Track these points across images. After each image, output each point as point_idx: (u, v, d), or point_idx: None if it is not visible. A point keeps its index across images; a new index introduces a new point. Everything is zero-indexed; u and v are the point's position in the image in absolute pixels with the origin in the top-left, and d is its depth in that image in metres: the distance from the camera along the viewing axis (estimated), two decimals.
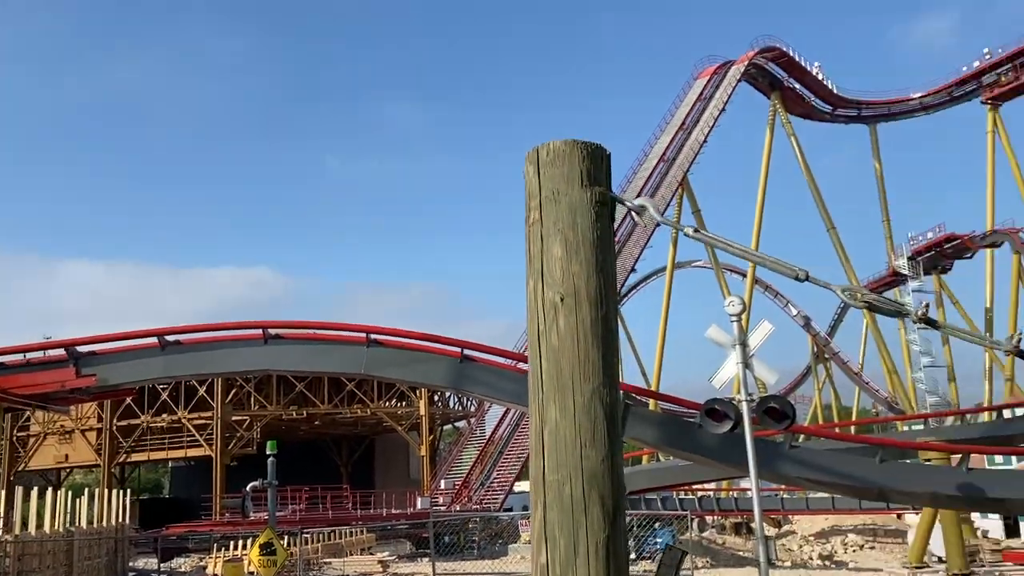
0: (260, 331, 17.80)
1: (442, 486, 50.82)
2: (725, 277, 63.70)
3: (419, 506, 46.35)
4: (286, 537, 28.46)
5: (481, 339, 19.14)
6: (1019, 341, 2.48)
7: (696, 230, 2.39)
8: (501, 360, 17.38)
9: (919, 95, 69.04)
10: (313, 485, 46.19)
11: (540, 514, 2.15)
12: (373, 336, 17.59)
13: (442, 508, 44.59)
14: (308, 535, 30.71)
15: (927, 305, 2.37)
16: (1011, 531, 37.21)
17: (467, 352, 17.71)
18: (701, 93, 58.24)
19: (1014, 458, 31.63)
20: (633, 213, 2.36)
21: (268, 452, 19.89)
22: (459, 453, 54.01)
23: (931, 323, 2.31)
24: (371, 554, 33.24)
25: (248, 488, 21.09)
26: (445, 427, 66.86)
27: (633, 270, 51.29)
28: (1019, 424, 25.74)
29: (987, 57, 64.53)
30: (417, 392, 52.59)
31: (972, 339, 2.62)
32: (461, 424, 62.81)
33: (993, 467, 30.65)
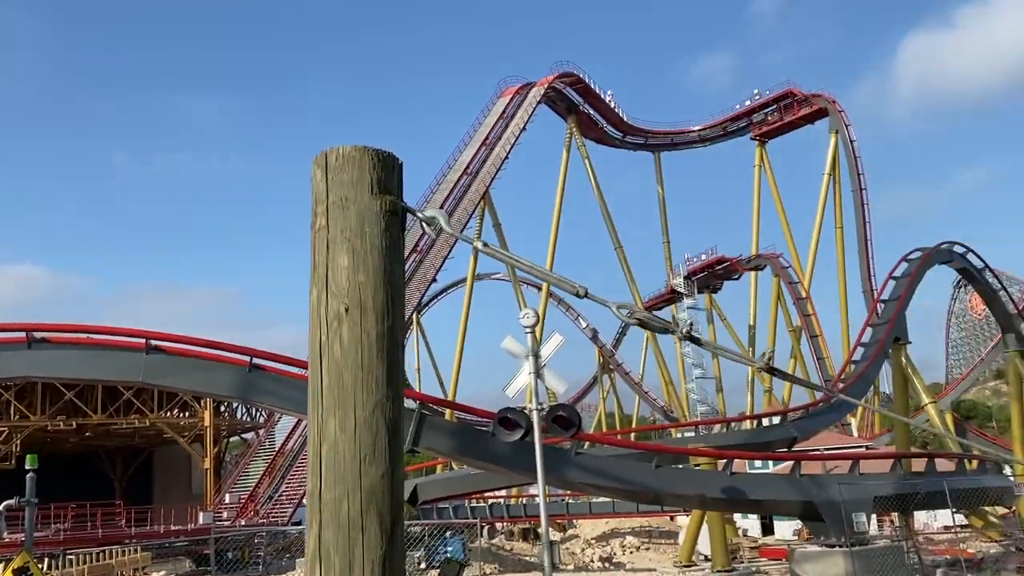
0: (23, 334, 16.06)
1: (227, 500, 48.30)
2: (522, 290, 65.65)
3: (201, 521, 43.70)
4: (46, 560, 25.80)
5: (275, 348, 18.34)
6: (770, 359, 2.71)
7: (485, 244, 2.40)
8: (292, 370, 16.76)
9: (698, 128, 74.88)
10: (81, 502, 42.25)
11: (315, 533, 2.06)
12: (153, 342, 16.40)
13: (226, 523, 42.32)
14: (73, 556, 28.06)
15: (691, 324, 2.53)
16: (767, 530, 40.95)
17: (256, 361, 16.96)
18: (504, 111, 59.75)
19: (771, 462, 34.83)
20: (424, 224, 2.34)
21: (28, 467, 17.95)
22: (246, 466, 51.63)
23: (695, 340, 2.47)
24: (145, 574, 30.91)
25: (1, 507, 18.91)
26: (232, 439, 63.64)
27: (434, 280, 51.53)
28: (776, 431, 28.40)
29: (756, 97, 71.23)
30: (202, 402, 49.68)
31: (729, 356, 2.83)
32: (249, 436, 60.03)
33: (753, 471, 33.58)
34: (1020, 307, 46.98)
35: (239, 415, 56.12)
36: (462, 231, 52.77)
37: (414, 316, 65.04)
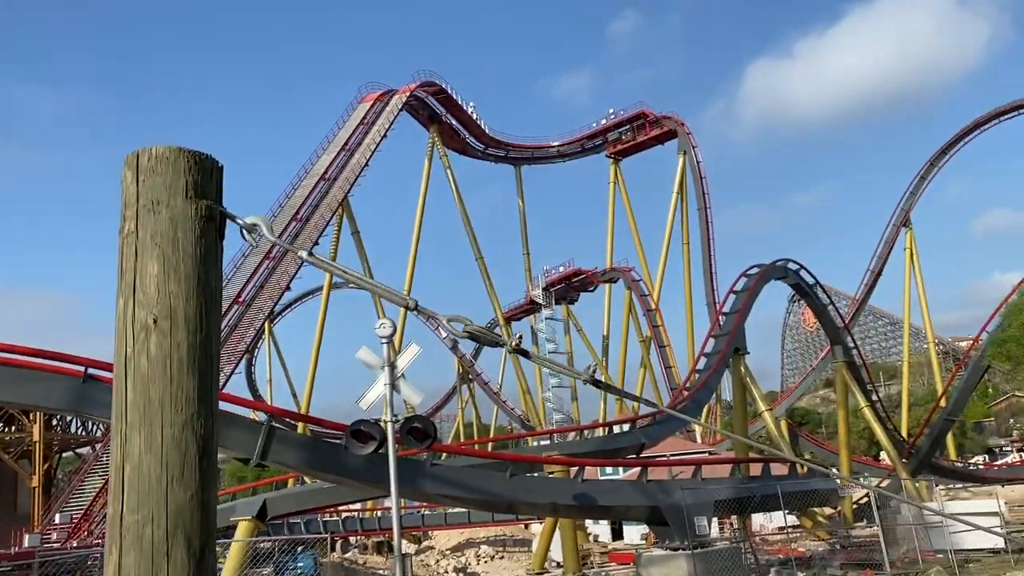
0: None
1: (57, 520, 44.87)
2: (380, 299, 64.82)
3: (26, 544, 40.35)
4: None
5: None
6: (594, 372, 2.77)
7: (311, 254, 2.32)
8: None
9: (557, 144, 76.69)
10: None
11: (115, 560, 1.90)
12: None
13: (56, 545, 39.29)
14: None
15: (520, 337, 2.55)
16: (617, 535, 42.18)
17: (92, 371, 15.90)
18: (364, 117, 58.96)
19: (620, 469, 35.96)
20: (244, 232, 2.23)
21: None
22: (81, 483, 48.19)
23: (523, 353, 2.49)
24: None
25: None
26: (65, 454, 59.32)
27: (288, 288, 50.03)
28: (625, 438, 29.34)
29: (612, 116, 73.77)
30: (31, 415, 46.02)
31: (558, 369, 2.88)
32: (85, 450, 56.15)
33: (604, 478, 34.56)
34: (846, 321, 50.79)
35: (73, 428, 52.44)
36: (319, 238, 51.18)
37: (266, 326, 62.88)
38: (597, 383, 2.60)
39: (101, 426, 49.00)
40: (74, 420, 50.53)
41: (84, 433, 52.67)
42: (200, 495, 1.96)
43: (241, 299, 45.55)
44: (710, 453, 48.73)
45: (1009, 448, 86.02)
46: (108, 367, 16.32)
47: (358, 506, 42.01)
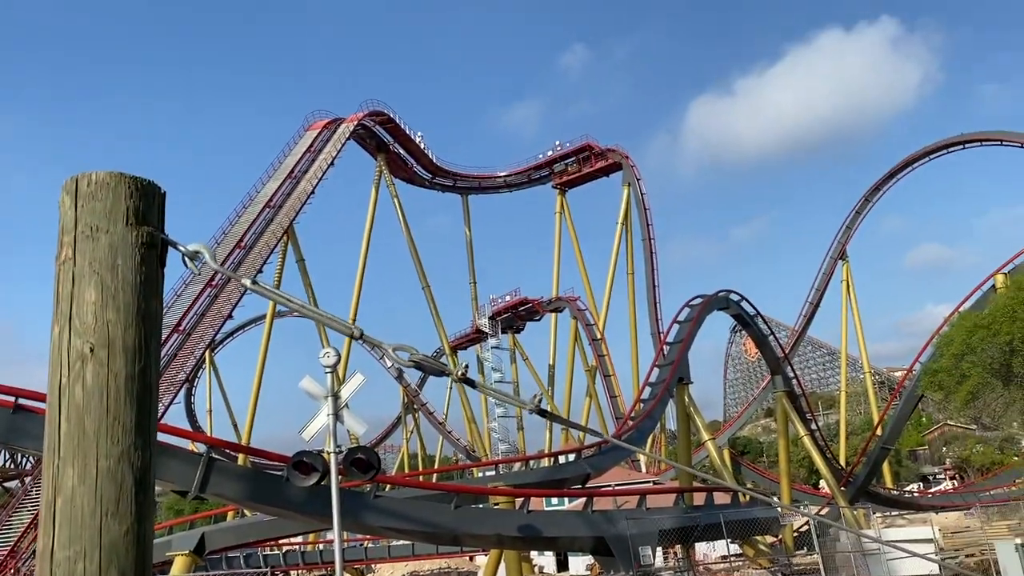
0: None
1: None
2: (325, 328, 63.94)
3: None
4: None
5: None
6: (540, 401, 2.78)
7: (254, 282, 2.29)
8: None
9: (504, 174, 77.23)
10: None
11: None
12: None
13: None
14: None
15: (466, 366, 2.55)
16: (562, 566, 41.99)
17: (22, 401, 15.32)
18: (311, 145, 58.62)
19: (566, 499, 35.88)
20: (186, 259, 2.19)
21: None
22: (7, 518, 46.17)
23: (469, 382, 2.49)
24: None
25: None
26: None
27: (230, 316, 49.09)
28: (571, 468, 29.33)
29: (558, 148, 74.65)
30: None
31: (503, 399, 2.88)
32: (13, 484, 53.87)
33: (549, 508, 34.42)
34: (786, 351, 51.83)
35: (0, 461, 50.34)
36: (263, 266, 50.38)
37: (207, 355, 61.54)
38: (543, 412, 2.61)
39: (31, 459, 47.17)
40: (2, 452, 48.51)
41: (12, 466, 50.61)
42: (136, 529, 1.90)
43: (181, 327, 44.54)
44: (655, 483, 48.97)
45: (942, 476, 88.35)
46: (40, 397, 15.75)
47: (300, 539, 41.05)
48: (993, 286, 40.70)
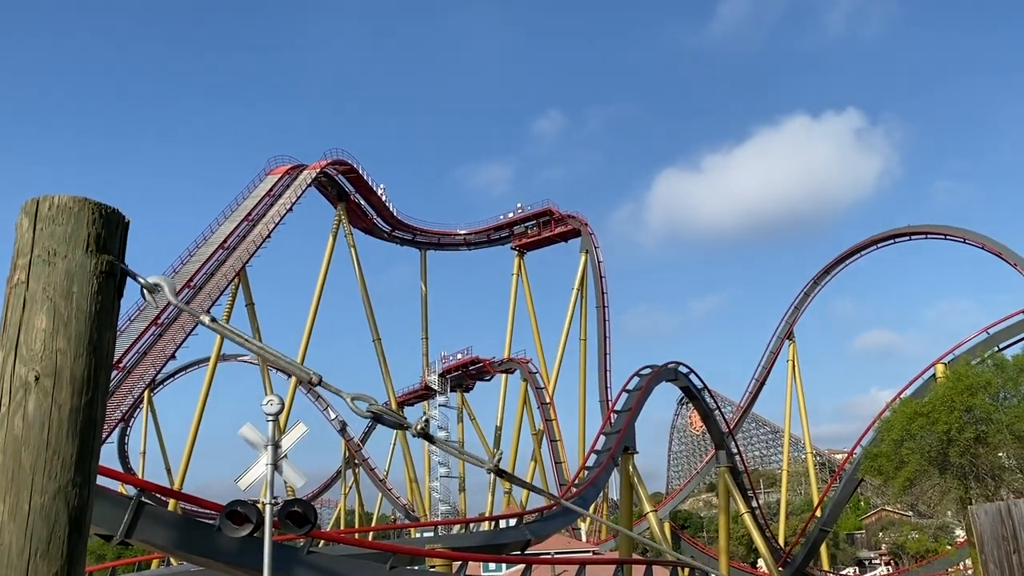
0: None
1: None
2: (270, 374, 62.84)
3: None
4: None
5: None
6: (499, 460, 2.73)
7: (213, 320, 2.23)
8: None
9: (464, 232, 77.68)
10: None
11: None
12: None
13: None
14: None
15: (426, 421, 2.50)
16: None
17: None
18: (271, 189, 58.44)
19: (504, 565, 35.23)
20: (144, 291, 2.12)
21: None
22: None
23: (428, 438, 2.43)
24: None
25: None
26: None
27: (173, 356, 47.97)
28: (511, 533, 28.86)
29: (519, 211, 75.49)
30: None
31: (461, 456, 2.82)
32: None
33: (487, 574, 33.77)
34: (731, 427, 52.22)
35: None
36: (211, 307, 49.82)
37: (145, 394, 59.82)
38: (501, 472, 2.56)
39: None
40: None
41: None
42: (66, 572, 1.78)
43: (122, 364, 43.34)
44: (594, 553, 48.41)
45: (877, 561, 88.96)
46: None
47: None
48: (934, 375, 41.75)
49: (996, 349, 42.12)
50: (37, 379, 1.85)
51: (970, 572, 53.02)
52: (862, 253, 69.41)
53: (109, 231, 2.02)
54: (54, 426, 1.84)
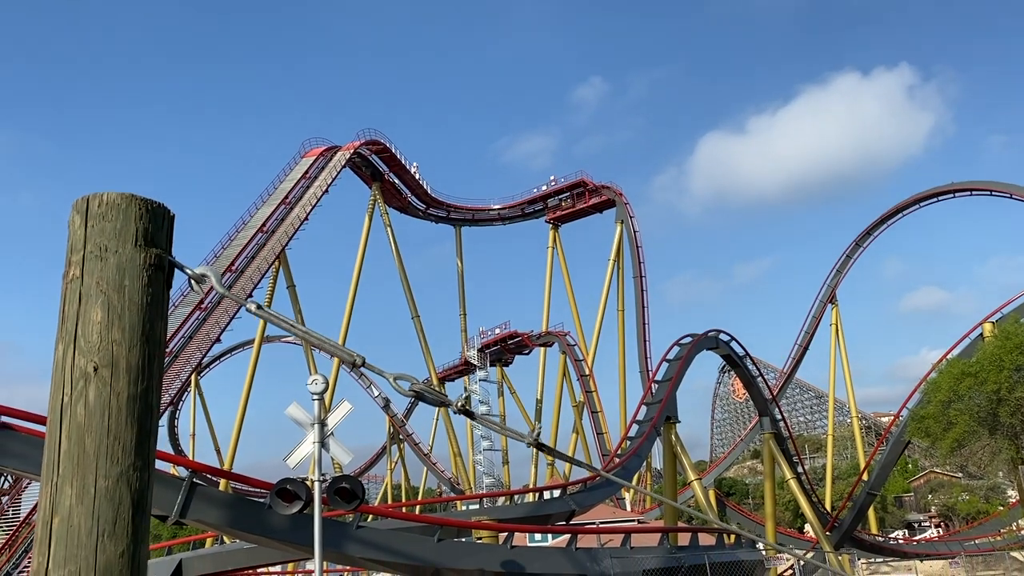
0: None
1: None
2: (313, 355, 63.75)
3: None
4: None
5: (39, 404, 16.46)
6: (538, 434, 2.79)
7: (259, 307, 2.31)
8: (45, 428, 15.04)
9: (498, 207, 77.59)
10: None
11: None
12: None
13: None
14: None
15: (467, 398, 2.57)
16: None
17: (4, 419, 15.14)
18: (307, 172, 58.88)
19: (549, 535, 35.57)
20: (192, 282, 2.21)
21: None
22: None
23: (469, 414, 2.50)
24: None
25: None
26: None
27: (218, 340, 48.85)
28: (555, 504, 29.13)
29: (552, 183, 75.13)
30: None
31: (502, 431, 2.89)
32: None
33: (533, 544, 34.06)
34: (774, 393, 51.84)
35: None
36: (253, 291, 50.43)
37: (192, 377, 61.12)
38: (541, 446, 2.61)
39: (8, 478, 46.55)
40: None
41: None
42: (131, 551, 1.89)
43: (169, 349, 44.29)
44: (639, 522, 48.63)
45: (927, 524, 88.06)
46: (23, 415, 15.57)
47: (279, 568, 40.51)
48: (981, 334, 40.95)
49: None
50: (96, 369, 1.95)
51: (1023, 533, 52.27)
52: (904, 213, 68.04)
53: (156, 225, 2.11)
54: (113, 413, 1.94)
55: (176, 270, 2.18)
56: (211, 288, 2.27)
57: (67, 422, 1.94)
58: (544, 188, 75.35)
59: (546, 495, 32.30)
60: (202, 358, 49.17)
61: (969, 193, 64.09)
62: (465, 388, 76.11)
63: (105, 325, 1.99)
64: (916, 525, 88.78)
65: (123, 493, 1.91)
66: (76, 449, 1.92)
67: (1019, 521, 53.81)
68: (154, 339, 2.05)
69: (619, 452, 36.72)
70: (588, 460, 65.83)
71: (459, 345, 78.53)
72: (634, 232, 68.01)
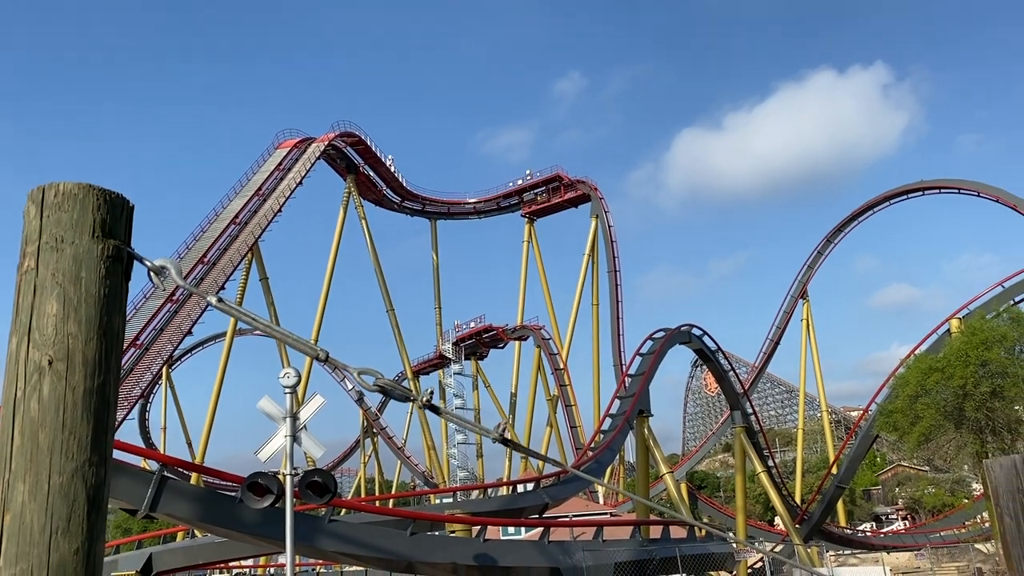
0: None
1: None
2: (286, 348, 63.29)
3: None
4: None
5: None
6: (504, 430, 2.79)
7: (220, 300, 2.27)
8: None
9: (473, 201, 77.47)
10: None
11: None
12: None
13: None
14: None
15: (432, 393, 2.55)
16: None
17: None
18: (280, 163, 58.36)
19: (523, 528, 35.67)
20: (152, 274, 2.17)
21: None
22: None
23: (434, 409, 2.48)
24: None
25: None
26: None
27: (190, 332, 48.34)
28: (529, 497, 29.18)
29: (528, 177, 75.13)
30: None
31: (467, 426, 2.87)
32: None
33: (506, 537, 34.15)
34: (746, 387, 52.28)
35: None
36: (225, 283, 49.79)
37: (164, 370, 60.46)
38: (506, 442, 2.61)
39: None
40: None
41: None
42: (86, 548, 1.85)
43: (139, 342, 43.77)
44: (612, 515, 48.91)
45: (894, 516, 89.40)
46: None
47: (251, 562, 40.29)
48: (948, 330, 41.58)
49: (1011, 303, 41.87)
50: (51, 363, 1.91)
51: (987, 525, 53.27)
52: (875, 210, 68.83)
53: (114, 216, 2.06)
54: (69, 408, 1.90)
55: (136, 262, 2.14)
56: (177, 284, 2.23)
57: (20, 417, 1.90)
58: (520, 182, 75.35)
59: (520, 488, 32.38)
60: (173, 350, 48.67)
61: (938, 191, 64.96)
62: (440, 381, 76.03)
63: (61, 318, 1.94)
64: (883, 518, 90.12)
65: (78, 490, 1.87)
66: (29, 445, 1.87)
67: (983, 514, 54.78)
68: (111, 332, 2.00)
69: (592, 445, 36.88)
70: (562, 453, 66.08)
71: (434, 338, 78.40)
72: (609, 227, 68.21)
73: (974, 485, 69.07)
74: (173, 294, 45.19)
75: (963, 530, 55.46)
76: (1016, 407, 31.23)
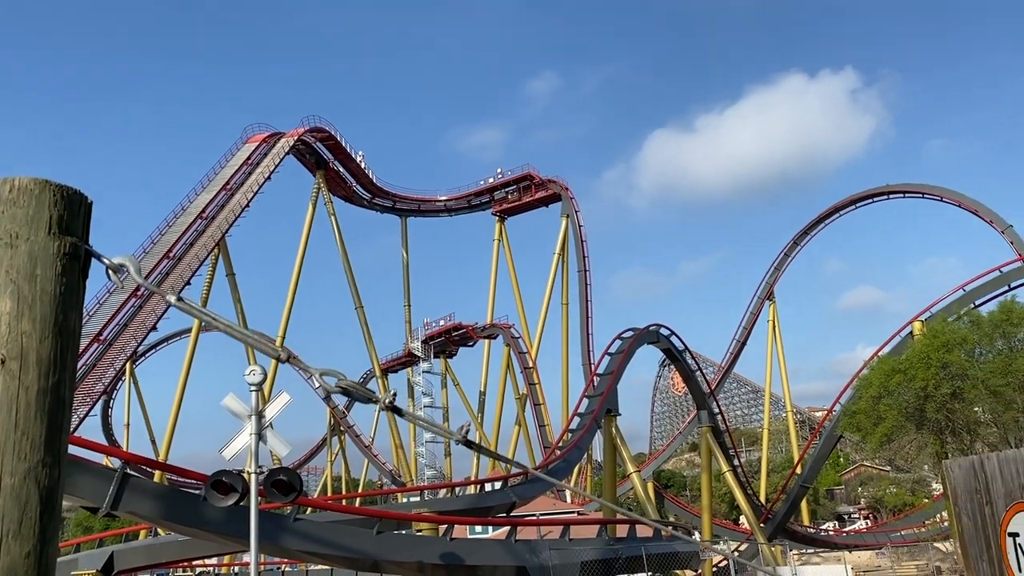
0: None
1: None
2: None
3: None
4: None
5: None
6: (467, 432, 2.78)
7: (180, 299, 2.24)
8: None
9: (444, 198, 77.29)
10: None
11: None
12: None
13: None
14: None
15: (395, 394, 2.54)
16: None
17: None
18: (249, 158, 57.73)
19: (490, 527, 35.67)
20: (110, 272, 2.13)
21: None
22: None
23: (397, 411, 2.47)
24: None
25: None
26: None
27: (154, 328, 47.66)
28: (496, 496, 29.21)
29: (499, 176, 75.12)
30: None
31: (430, 428, 2.86)
32: None
33: (473, 536, 34.09)
34: (712, 387, 52.77)
35: None
36: (191, 278, 49.16)
37: (127, 366, 59.58)
38: (469, 444, 2.60)
39: None
40: None
41: None
42: (38, 551, 1.81)
43: (102, 337, 43.07)
44: (579, 514, 49.11)
45: (857, 515, 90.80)
46: None
47: (214, 560, 39.88)
48: (911, 332, 42.30)
49: (972, 306, 42.67)
50: (3, 362, 1.87)
51: (946, 524, 54.28)
52: (841, 213, 69.76)
53: (72, 212, 2.02)
54: (22, 408, 1.86)
55: (95, 260, 2.10)
56: (144, 275, 2.19)
57: None
58: (491, 180, 75.32)
59: (487, 487, 32.38)
60: (137, 346, 47.95)
61: (903, 195, 66.00)
62: (409, 379, 75.77)
63: (14, 315, 1.90)
64: (846, 517, 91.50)
65: (30, 491, 1.83)
66: None
67: (942, 513, 55.83)
68: (67, 331, 1.96)
69: (560, 444, 36.99)
70: (531, 452, 66.14)
71: (403, 336, 78.13)
72: (579, 227, 68.42)
73: (934, 485, 70.38)
74: (137, 289, 44.55)
75: (923, 529, 56.51)
76: (975, 409, 31.86)
